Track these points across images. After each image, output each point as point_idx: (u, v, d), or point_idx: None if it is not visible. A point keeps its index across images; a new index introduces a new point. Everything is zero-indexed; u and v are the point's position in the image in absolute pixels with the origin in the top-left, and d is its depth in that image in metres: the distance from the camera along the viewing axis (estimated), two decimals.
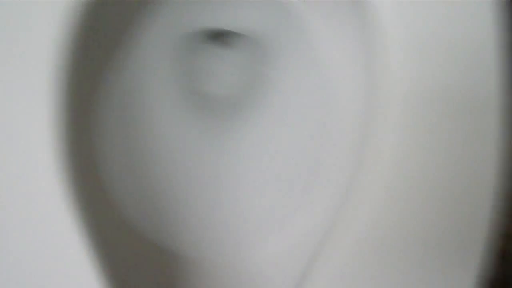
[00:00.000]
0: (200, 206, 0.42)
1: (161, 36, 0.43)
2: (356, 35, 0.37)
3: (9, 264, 0.30)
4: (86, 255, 0.30)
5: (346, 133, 0.38)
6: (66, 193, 0.30)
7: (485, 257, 0.32)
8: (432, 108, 0.32)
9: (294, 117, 0.43)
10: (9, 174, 0.31)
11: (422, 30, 0.33)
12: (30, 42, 0.32)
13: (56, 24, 0.32)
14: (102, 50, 0.38)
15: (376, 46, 0.33)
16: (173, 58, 0.45)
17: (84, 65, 0.34)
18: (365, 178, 0.32)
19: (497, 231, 0.32)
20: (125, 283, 0.34)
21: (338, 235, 0.31)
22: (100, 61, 0.39)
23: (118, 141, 0.40)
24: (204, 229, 0.41)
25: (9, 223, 0.30)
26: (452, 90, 0.32)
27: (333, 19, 0.39)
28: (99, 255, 0.31)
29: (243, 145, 0.45)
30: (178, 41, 0.45)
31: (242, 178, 0.43)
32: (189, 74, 0.47)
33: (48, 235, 0.30)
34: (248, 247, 0.41)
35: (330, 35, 0.40)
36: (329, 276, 0.31)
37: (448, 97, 0.32)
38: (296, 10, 0.41)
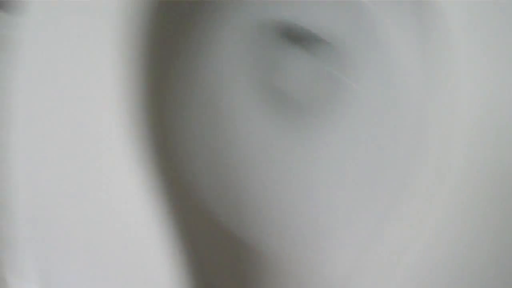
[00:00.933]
0: (279, 203, 0.43)
1: (238, 32, 0.44)
2: (426, 37, 0.36)
3: (92, 254, 0.31)
4: (168, 245, 0.31)
5: (417, 141, 0.38)
6: (150, 191, 0.31)
7: None
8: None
9: (370, 123, 0.43)
10: (92, 175, 0.31)
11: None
12: (100, 42, 0.33)
13: (127, 22, 0.33)
14: (177, 47, 0.40)
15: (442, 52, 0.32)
16: (251, 55, 0.46)
17: (160, 63, 0.36)
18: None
19: None
20: (203, 270, 0.36)
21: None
22: (176, 58, 0.41)
23: (198, 138, 0.42)
24: (284, 226, 0.42)
25: (96, 223, 0.31)
26: None
27: (403, 20, 0.39)
28: (181, 245, 0.32)
29: (321, 146, 0.45)
30: (256, 38, 0.46)
31: (321, 178, 0.44)
32: (268, 71, 0.48)
33: (132, 229, 0.31)
34: (324, 249, 0.41)
35: (402, 39, 0.40)
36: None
37: None
38: (369, 11, 0.42)
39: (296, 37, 0.48)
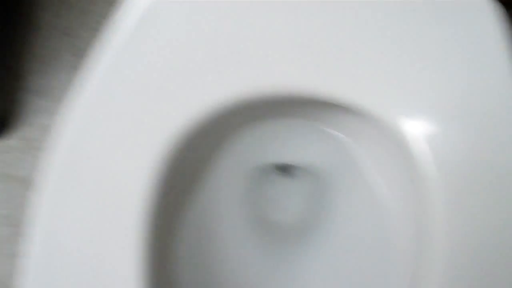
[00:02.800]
0: None
1: (233, 171, 0.48)
2: (401, 167, 0.40)
3: None
4: None
5: (400, 259, 0.41)
6: None
7: None
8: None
9: (353, 242, 0.46)
10: None
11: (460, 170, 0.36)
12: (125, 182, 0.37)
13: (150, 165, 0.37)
14: (183, 185, 0.44)
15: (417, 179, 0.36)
16: (243, 189, 0.50)
17: (167, 199, 0.39)
18: None
19: None
20: None
21: None
22: (181, 195, 0.44)
23: (193, 267, 0.44)
24: None
25: None
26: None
27: (379, 153, 0.44)
28: None
29: (306, 270, 0.47)
30: (247, 174, 0.50)
31: None
32: (257, 203, 0.52)
33: None
34: None
35: (378, 167, 0.44)
36: None
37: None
38: (348, 145, 0.47)
39: (288, 172, 0.53)
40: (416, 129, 0.37)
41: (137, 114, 0.37)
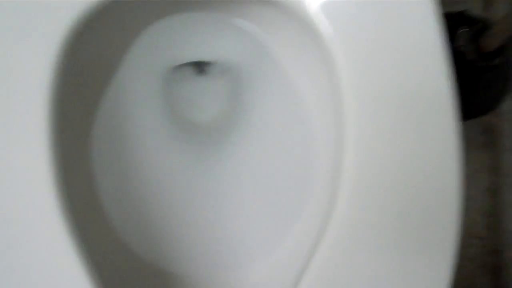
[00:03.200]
0: (193, 228, 0.45)
1: (146, 69, 0.46)
2: (316, 56, 0.39)
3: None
4: (82, 274, 0.33)
5: (320, 146, 0.42)
6: (63, 217, 0.33)
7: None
8: (387, 107, 0.35)
9: (273, 136, 0.47)
10: (7, 195, 0.33)
11: (365, 40, 0.36)
12: (26, 72, 0.34)
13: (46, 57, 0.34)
14: (90, 82, 0.41)
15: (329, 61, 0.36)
16: (158, 88, 0.48)
17: (76, 96, 0.37)
18: (339, 184, 0.35)
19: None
20: None
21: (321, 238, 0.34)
22: (89, 93, 0.42)
23: (113, 168, 0.43)
24: (197, 250, 0.44)
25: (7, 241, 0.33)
26: (403, 90, 0.35)
27: (294, 45, 0.43)
28: (95, 274, 0.33)
29: (229, 166, 0.48)
30: (162, 73, 0.49)
31: (230, 198, 0.46)
32: (174, 103, 0.50)
33: (45, 256, 0.33)
34: (239, 267, 0.43)
35: (295, 60, 0.43)
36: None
37: (400, 97, 0.35)
38: (264, 40, 0.45)
39: (204, 71, 0.51)
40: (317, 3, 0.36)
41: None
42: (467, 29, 0.58)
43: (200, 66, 0.51)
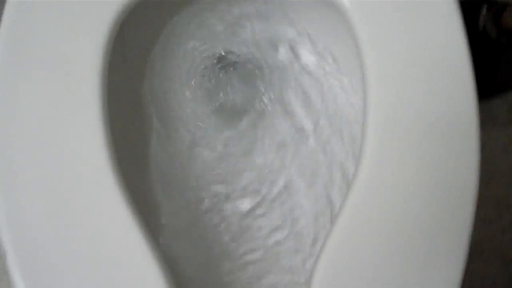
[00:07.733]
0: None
1: (185, 64, 0.52)
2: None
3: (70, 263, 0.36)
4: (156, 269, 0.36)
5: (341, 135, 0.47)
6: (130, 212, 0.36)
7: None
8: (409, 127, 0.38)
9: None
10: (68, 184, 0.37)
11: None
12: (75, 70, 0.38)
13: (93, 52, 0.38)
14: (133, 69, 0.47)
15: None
16: (198, 79, 0.54)
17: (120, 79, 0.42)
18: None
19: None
20: None
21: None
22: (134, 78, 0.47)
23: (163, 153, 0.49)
24: None
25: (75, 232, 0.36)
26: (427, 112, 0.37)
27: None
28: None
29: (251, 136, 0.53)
30: (200, 66, 0.54)
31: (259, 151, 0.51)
32: (207, 93, 0.55)
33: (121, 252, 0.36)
34: None
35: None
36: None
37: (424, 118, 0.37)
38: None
39: (228, 63, 0.55)
40: None
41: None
42: (489, 8, 0.60)
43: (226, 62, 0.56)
